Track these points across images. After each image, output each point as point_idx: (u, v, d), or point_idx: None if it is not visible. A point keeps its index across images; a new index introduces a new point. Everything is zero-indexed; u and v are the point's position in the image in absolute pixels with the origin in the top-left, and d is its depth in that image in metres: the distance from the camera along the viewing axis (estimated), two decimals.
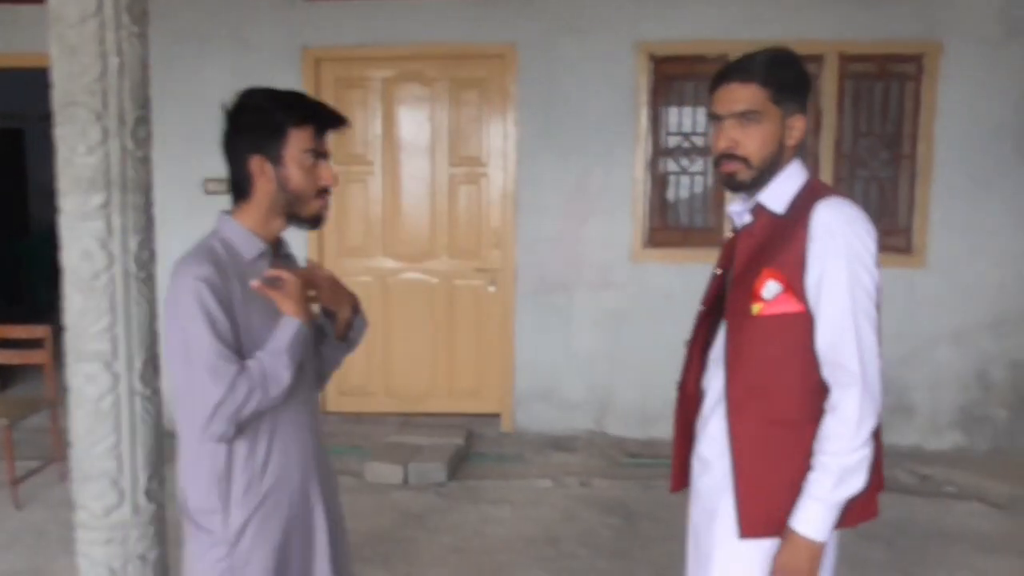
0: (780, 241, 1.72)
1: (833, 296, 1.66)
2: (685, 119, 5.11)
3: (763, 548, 1.76)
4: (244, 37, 5.12)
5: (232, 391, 1.60)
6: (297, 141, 1.70)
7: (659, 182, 5.13)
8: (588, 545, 3.72)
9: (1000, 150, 4.82)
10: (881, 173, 5.00)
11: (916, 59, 4.85)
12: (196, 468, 1.73)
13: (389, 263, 5.31)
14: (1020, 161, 4.82)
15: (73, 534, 2.24)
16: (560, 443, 5.02)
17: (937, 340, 4.91)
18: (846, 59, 4.87)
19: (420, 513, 4.03)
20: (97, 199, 2.07)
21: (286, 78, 5.10)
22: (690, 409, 2.00)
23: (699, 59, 4.97)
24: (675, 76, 5.04)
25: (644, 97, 4.98)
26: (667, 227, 5.15)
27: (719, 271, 1.92)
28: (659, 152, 5.10)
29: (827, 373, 1.70)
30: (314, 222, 1.77)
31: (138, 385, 2.16)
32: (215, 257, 1.69)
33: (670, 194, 5.18)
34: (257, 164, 1.70)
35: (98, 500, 2.16)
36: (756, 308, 1.72)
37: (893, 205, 5.02)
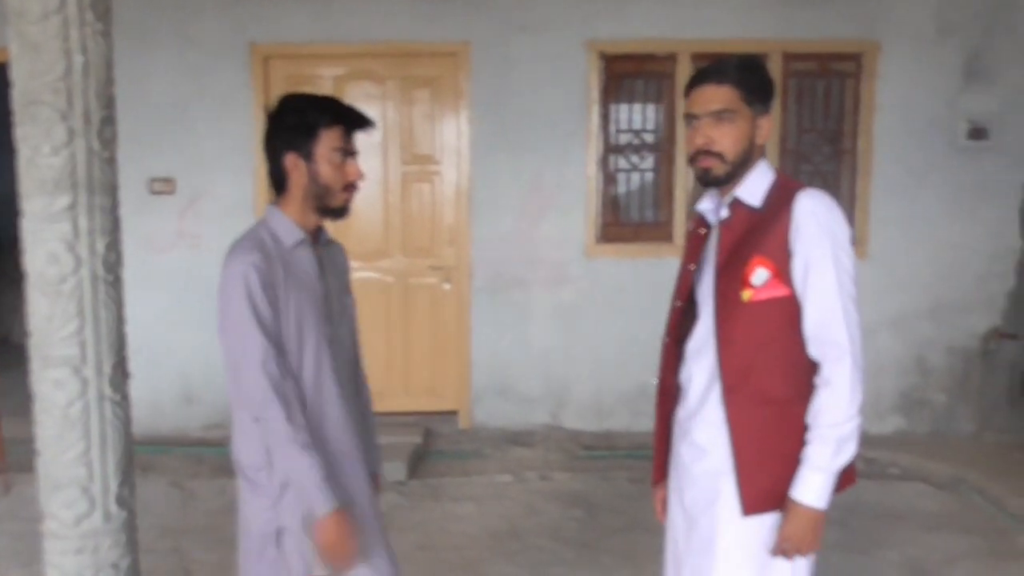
0: (763, 231, 1.83)
1: (820, 279, 1.78)
2: (635, 116, 5.20)
3: (765, 523, 1.86)
4: (189, 33, 5.02)
5: (274, 392, 1.82)
6: (327, 140, 1.90)
7: (610, 179, 5.21)
8: (553, 537, 3.77)
9: (934, 145, 5.03)
10: (824, 168, 5.17)
11: (855, 58, 5.02)
12: (246, 429, 1.91)
13: None
14: (953, 155, 5.03)
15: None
16: (518, 438, 5.06)
17: (878, 328, 5.09)
18: (789, 57, 5.01)
19: (383, 512, 4.02)
20: (63, 201, 2.03)
21: (233, 75, 5.03)
22: (669, 403, 2.07)
23: (648, 57, 5.06)
24: (625, 74, 5.12)
25: (595, 95, 5.05)
26: (619, 223, 5.23)
27: (692, 266, 1.99)
28: (610, 149, 5.18)
29: (816, 351, 1.81)
30: (340, 213, 1.96)
31: (108, 390, 2.12)
32: (262, 244, 1.90)
33: (621, 190, 5.26)
34: (291, 160, 1.91)
35: (68, 509, 2.11)
36: (746, 295, 1.82)
37: (835, 199, 5.16)
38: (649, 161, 5.22)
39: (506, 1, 4.98)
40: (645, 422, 5.11)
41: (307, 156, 1.90)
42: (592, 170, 5.10)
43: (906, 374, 5.18)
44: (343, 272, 2.11)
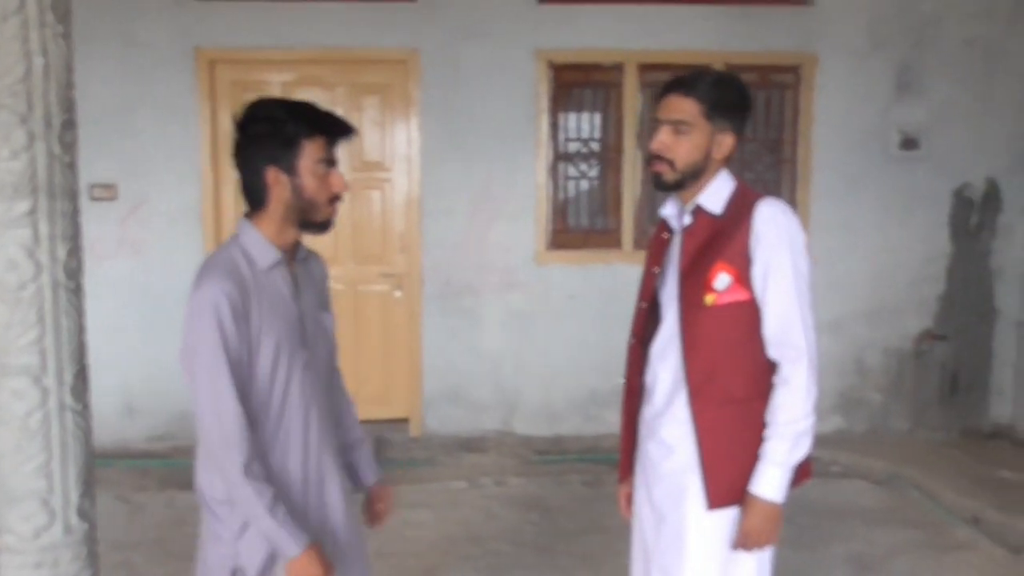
0: (725, 238, 1.90)
1: (779, 285, 1.86)
2: (583, 125, 5.28)
3: (729, 517, 1.93)
4: (132, 35, 4.91)
5: (232, 438, 1.74)
6: (310, 151, 1.77)
7: (560, 186, 5.27)
8: (511, 542, 3.79)
9: (869, 155, 5.23)
10: (765, 176, 5.32)
11: (794, 70, 5.19)
12: (210, 462, 1.81)
13: None
14: (886, 165, 5.24)
15: None
16: (470, 444, 5.07)
17: (819, 331, 5.24)
18: (731, 68, 5.15)
19: (362, 529, 3.99)
20: (23, 206, 1.97)
21: (178, 80, 4.94)
22: (635, 402, 2.13)
23: (596, 67, 5.15)
24: (574, 83, 5.20)
25: (544, 103, 5.11)
26: (568, 230, 5.30)
27: (656, 269, 2.06)
28: (559, 157, 5.24)
29: (775, 352, 1.89)
30: (324, 227, 1.84)
31: (69, 400, 2.06)
32: (235, 268, 1.77)
33: (571, 198, 5.33)
34: (272, 175, 1.77)
35: (27, 522, 2.05)
36: (710, 299, 1.89)
37: None
38: (597, 169, 5.31)
39: (456, 10, 5.01)
40: (595, 426, 5.22)
41: (289, 170, 1.77)
42: (542, 178, 5.16)
43: (845, 375, 5.36)
44: (321, 286, 1.99)
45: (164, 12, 4.91)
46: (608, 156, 5.27)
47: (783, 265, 1.86)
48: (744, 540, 1.91)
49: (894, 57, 5.19)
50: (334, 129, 1.81)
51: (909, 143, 5.18)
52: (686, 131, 1.90)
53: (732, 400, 1.91)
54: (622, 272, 5.15)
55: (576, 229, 5.32)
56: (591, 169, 5.30)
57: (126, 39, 4.90)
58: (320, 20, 4.95)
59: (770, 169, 5.33)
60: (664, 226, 2.09)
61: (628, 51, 5.10)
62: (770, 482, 1.87)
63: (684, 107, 1.90)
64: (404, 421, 5.29)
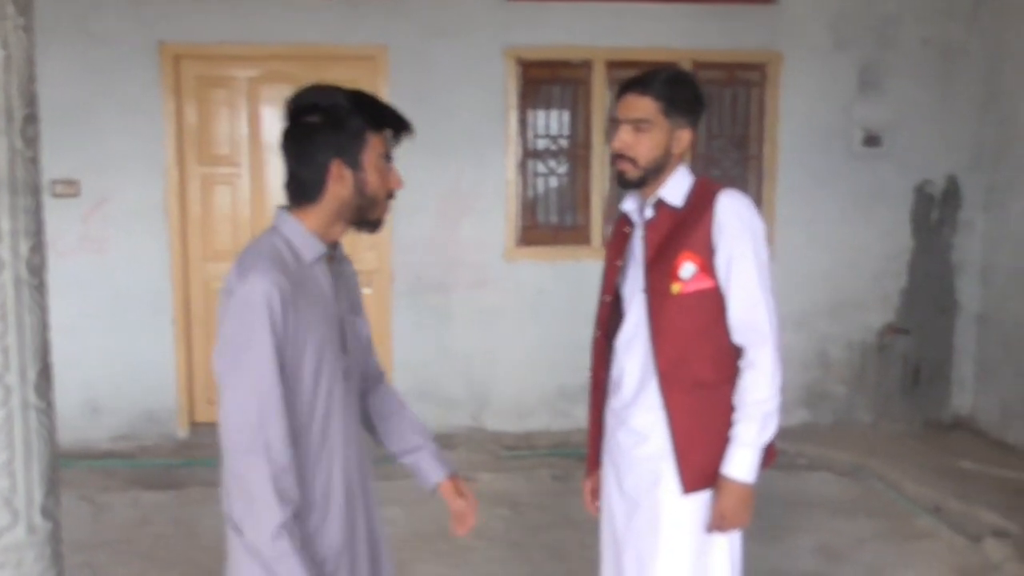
0: (688, 228, 1.96)
1: (743, 272, 1.93)
2: (552, 122, 5.29)
3: (703, 501, 1.99)
4: (92, 29, 4.84)
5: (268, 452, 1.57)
6: (375, 145, 1.65)
7: (529, 183, 5.29)
8: (482, 537, 3.80)
9: (833, 151, 5.31)
10: (732, 172, 5.38)
11: (760, 68, 5.25)
12: (238, 479, 1.65)
13: None
14: (850, 161, 5.33)
15: None
16: (440, 440, 4.97)
17: (783, 325, 5.27)
18: (699, 66, 5.20)
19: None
20: None
21: (142, 74, 4.88)
22: (601, 395, 2.17)
23: (564, 64, 5.17)
24: (542, 80, 5.21)
25: (513, 100, 5.12)
26: (538, 226, 5.32)
27: (619, 262, 2.11)
28: (528, 154, 5.26)
29: (740, 337, 1.95)
30: (377, 225, 1.73)
31: (32, 398, 2.03)
32: (281, 259, 1.61)
33: (540, 194, 5.35)
34: (337, 169, 1.63)
35: None
36: (676, 288, 1.95)
37: None
38: (566, 166, 5.33)
39: (425, 6, 4.99)
40: (565, 421, 5.24)
41: (354, 164, 1.64)
42: (511, 174, 5.17)
43: (809, 368, 5.44)
44: (355, 289, 1.85)
45: (127, 6, 4.84)
46: (577, 153, 5.30)
47: (745, 253, 1.92)
48: (719, 522, 1.96)
49: (857, 56, 5.27)
50: (398, 124, 1.70)
51: (872, 140, 5.27)
52: (646, 129, 1.95)
53: (701, 385, 1.97)
54: (591, 268, 5.14)
55: (545, 226, 5.34)
56: (560, 166, 5.32)
57: (88, 33, 4.83)
58: (287, 15, 4.91)
59: (736, 165, 5.39)
60: (625, 220, 2.14)
61: (596, 48, 5.12)
62: (741, 463, 1.93)
63: (642, 106, 1.95)
64: None
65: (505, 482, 4.48)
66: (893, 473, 4.58)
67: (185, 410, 5.11)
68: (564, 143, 5.30)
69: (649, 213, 2.03)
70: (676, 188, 2.01)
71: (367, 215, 1.69)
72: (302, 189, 1.66)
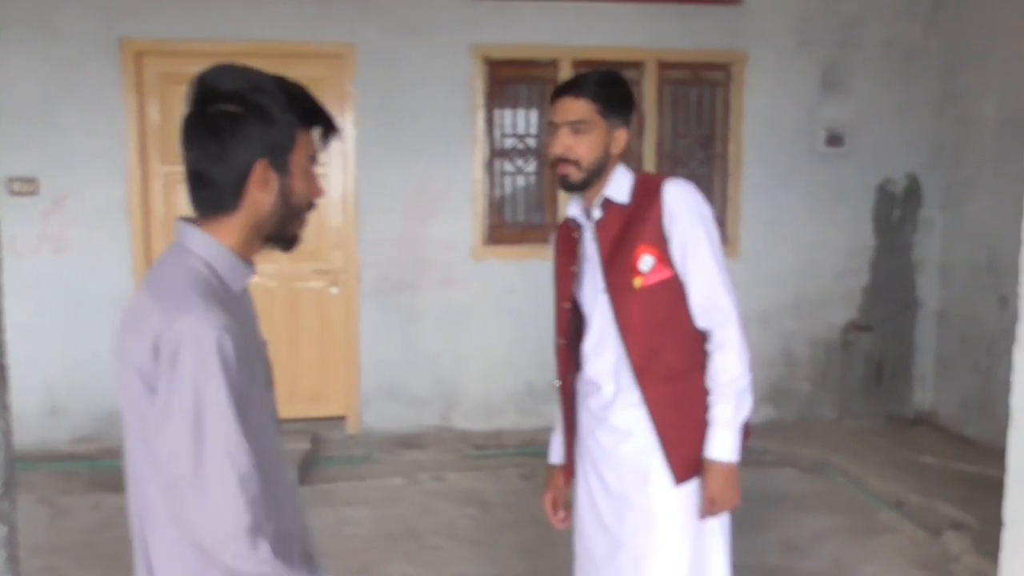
0: (639, 222, 1.98)
1: (699, 256, 1.96)
2: (519, 121, 5.30)
3: (693, 487, 2.01)
4: (52, 24, 4.75)
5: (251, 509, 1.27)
6: (303, 146, 1.39)
7: (497, 182, 5.29)
8: (449, 536, 3.80)
9: (796, 150, 5.37)
10: (698, 171, 5.42)
11: (725, 67, 5.30)
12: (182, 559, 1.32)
13: None
14: (813, 160, 5.40)
15: None
16: (408, 441, 5.06)
17: (748, 322, 5.33)
18: (664, 66, 5.24)
19: None
20: None
21: (103, 71, 4.81)
22: (571, 402, 2.18)
23: (531, 63, 5.17)
24: (509, 79, 5.21)
25: (481, 99, 5.12)
26: (505, 225, 5.32)
27: (573, 268, 2.10)
28: (496, 153, 5.26)
29: (704, 320, 1.98)
30: (292, 242, 1.44)
31: None
32: (213, 292, 1.31)
33: (507, 193, 5.35)
34: (261, 172, 1.34)
35: None
36: (638, 282, 1.97)
37: (708, 200, 5.43)
38: (533, 165, 5.34)
39: (391, 4, 4.97)
40: (533, 420, 5.25)
41: (282, 167, 1.36)
42: (479, 173, 5.16)
43: (774, 365, 5.50)
44: (254, 311, 1.52)
45: (88, 1, 4.76)
46: (544, 152, 5.30)
47: (698, 237, 1.96)
48: (710, 506, 1.98)
49: (820, 56, 5.34)
50: (329, 122, 1.42)
51: (834, 140, 5.34)
52: (585, 130, 1.96)
53: (674, 375, 1.99)
54: None
55: (513, 225, 5.34)
56: (527, 165, 5.33)
57: (48, 27, 4.75)
58: (252, 12, 4.87)
59: (702, 164, 5.43)
60: (570, 226, 2.13)
61: (563, 47, 5.14)
62: (724, 444, 1.95)
63: (579, 108, 1.96)
64: (341, 419, 5.24)
65: (473, 481, 4.48)
66: (856, 469, 4.64)
67: None
68: (531, 142, 5.31)
69: (597, 214, 2.04)
70: (620, 186, 2.03)
71: (284, 229, 1.41)
72: (214, 196, 1.35)
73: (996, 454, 2.52)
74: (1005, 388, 2.43)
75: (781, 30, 5.28)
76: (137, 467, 1.35)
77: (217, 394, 1.23)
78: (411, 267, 5.15)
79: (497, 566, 3.54)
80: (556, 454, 2.27)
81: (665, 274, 1.96)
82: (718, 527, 2.06)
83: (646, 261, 1.96)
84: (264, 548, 1.27)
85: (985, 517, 3.64)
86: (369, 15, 4.95)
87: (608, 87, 1.99)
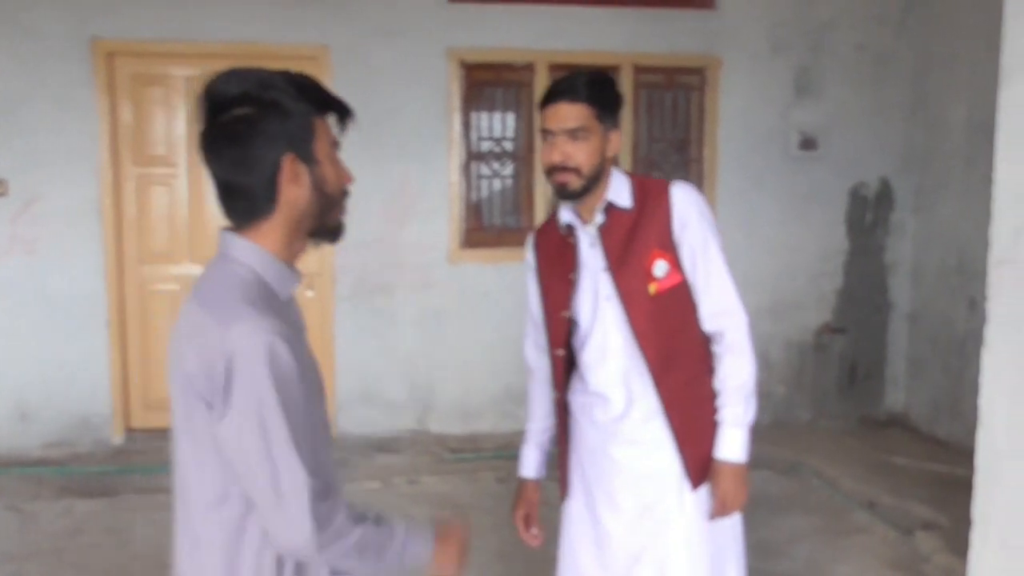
0: (647, 226, 1.96)
1: (710, 261, 1.96)
2: (496, 124, 5.30)
3: (705, 489, 2.02)
4: (21, 22, 4.70)
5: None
6: (324, 134, 1.36)
7: (473, 185, 5.29)
8: None
9: (770, 154, 5.42)
10: (673, 174, 5.45)
11: (700, 72, 5.34)
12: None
13: (196, 269, 5.07)
14: (787, 164, 5.44)
15: None
16: (384, 444, 5.03)
17: None
18: (639, 70, 5.27)
19: None
20: None
21: (74, 71, 4.76)
22: (566, 415, 2.15)
23: (507, 67, 5.18)
24: (485, 82, 5.22)
25: (456, 102, 5.12)
26: (482, 228, 5.32)
27: (572, 276, 2.02)
28: (472, 156, 5.25)
29: (715, 324, 1.98)
30: (338, 233, 1.43)
31: None
32: (263, 301, 1.29)
33: (484, 197, 5.35)
34: (290, 166, 1.31)
35: None
36: (653, 288, 1.95)
37: None
38: (510, 168, 5.34)
39: (367, 6, 4.96)
40: (511, 423, 5.24)
41: (308, 158, 1.33)
42: (455, 176, 5.16)
43: None
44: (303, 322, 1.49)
45: (58, 0, 4.71)
46: (520, 155, 5.31)
47: (709, 242, 1.96)
48: (721, 507, 1.98)
49: (793, 61, 5.39)
50: (341, 106, 1.39)
51: (808, 143, 5.39)
52: (584, 137, 1.90)
53: (689, 380, 1.99)
54: None
55: (490, 228, 5.34)
56: (504, 168, 5.33)
57: (17, 25, 4.70)
58: (226, 13, 4.84)
59: (677, 168, 5.46)
60: (562, 233, 2.05)
61: (539, 51, 5.15)
62: (735, 444, 1.97)
63: (576, 114, 1.90)
64: None
65: (448, 485, 4.47)
66: (830, 470, 4.68)
67: (121, 416, 4.98)
68: (508, 145, 5.31)
69: (600, 219, 1.98)
70: (619, 190, 1.99)
71: (327, 220, 1.40)
72: (249, 204, 1.33)
73: (966, 454, 2.55)
74: (975, 389, 2.46)
75: (755, 35, 5.33)
76: (185, 487, 1.34)
77: (275, 402, 1.22)
78: (387, 270, 5.13)
79: (472, 570, 3.51)
80: (530, 467, 2.20)
81: (676, 279, 1.95)
82: (730, 527, 2.07)
83: (660, 267, 1.94)
84: (340, 524, 1.28)
85: (956, 517, 3.68)
86: (343, 17, 4.94)
87: (602, 89, 1.95)
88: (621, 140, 2.01)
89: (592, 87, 1.92)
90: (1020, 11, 2.28)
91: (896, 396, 5.69)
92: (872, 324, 5.63)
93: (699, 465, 1.99)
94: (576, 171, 1.91)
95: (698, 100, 5.39)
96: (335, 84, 4.93)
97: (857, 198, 5.54)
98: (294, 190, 1.33)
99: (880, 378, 5.68)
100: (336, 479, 1.42)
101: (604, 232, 1.99)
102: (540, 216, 5.29)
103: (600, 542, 2.08)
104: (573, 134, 1.90)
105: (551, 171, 1.94)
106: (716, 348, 1.99)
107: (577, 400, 2.11)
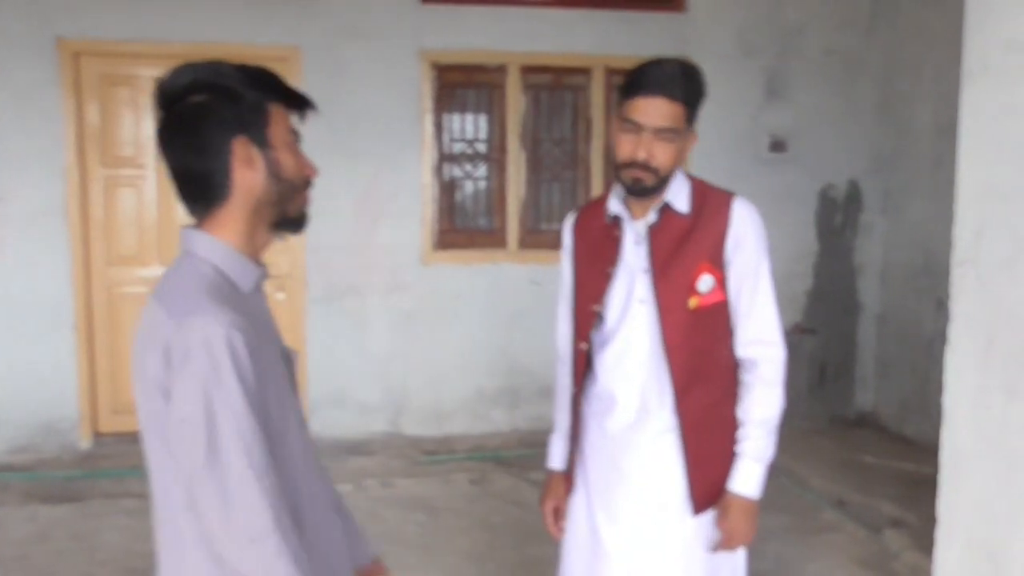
0: (699, 238, 1.86)
1: (760, 288, 1.88)
2: (468, 126, 5.29)
3: (707, 518, 1.92)
4: None
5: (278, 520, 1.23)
6: (279, 120, 1.35)
7: (445, 186, 5.27)
8: (395, 542, 3.76)
9: (742, 156, 5.46)
10: None
11: None
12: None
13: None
14: (758, 166, 5.48)
15: None
16: (357, 447, 5.00)
17: None
18: (611, 72, 5.29)
19: None
20: None
21: (39, 71, 4.69)
22: (578, 412, 2.04)
23: (479, 68, 5.18)
24: (457, 84, 5.21)
25: (428, 104, 5.10)
26: (455, 229, 5.30)
27: (610, 269, 1.93)
28: (444, 157, 5.24)
29: (751, 351, 1.90)
30: (301, 223, 1.42)
31: None
32: (224, 293, 1.27)
33: (456, 198, 5.34)
34: (242, 148, 1.30)
35: None
36: (694, 302, 1.85)
37: None
38: (483, 169, 5.34)
39: (337, 6, 4.93)
40: (483, 425, 5.24)
41: (262, 141, 1.32)
42: (427, 178, 5.15)
43: None
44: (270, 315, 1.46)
45: None
46: (493, 156, 5.31)
47: (762, 268, 1.88)
48: (728, 541, 1.89)
49: (763, 64, 5.43)
50: (298, 97, 1.39)
51: (778, 146, 5.44)
52: (672, 138, 1.79)
53: (712, 403, 1.89)
54: (508, 271, 5.21)
55: (462, 229, 5.33)
56: (476, 169, 5.33)
57: None
58: (195, 13, 4.79)
59: None
60: (609, 224, 1.95)
61: (511, 53, 5.15)
62: (752, 479, 1.87)
63: (673, 113, 1.78)
64: None
65: (422, 487, 4.45)
66: (800, 469, 4.72)
67: (88, 420, 4.91)
68: (481, 147, 5.31)
69: (653, 218, 1.88)
70: (679, 192, 1.88)
71: (288, 208, 1.38)
72: (203, 188, 1.32)
73: (934, 452, 2.58)
74: (941, 388, 2.49)
75: (725, 38, 5.36)
76: (161, 490, 1.30)
77: (230, 392, 1.19)
78: (359, 272, 5.11)
79: (443, 571, 3.52)
80: (558, 459, 2.10)
81: (719, 298, 1.85)
82: (728, 559, 1.96)
83: (706, 282, 1.84)
84: (281, 553, 1.20)
85: (923, 514, 3.72)
86: (313, 17, 4.91)
87: (697, 88, 1.82)
88: (696, 140, 1.89)
89: (689, 85, 1.80)
90: (981, 16, 2.32)
91: (865, 395, 5.75)
92: (842, 324, 5.69)
93: (704, 491, 1.88)
94: (655, 171, 1.80)
95: None
96: (306, 85, 4.90)
97: (827, 200, 5.60)
98: (248, 174, 1.32)
99: (850, 378, 5.74)
100: (308, 487, 1.39)
101: (654, 232, 1.88)
102: (513, 217, 5.29)
103: (595, 551, 1.99)
104: (662, 133, 1.78)
105: (628, 165, 1.81)
106: (746, 376, 1.89)
107: (590, 404, 2.01)
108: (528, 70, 5.17)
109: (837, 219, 5.62)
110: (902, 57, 5.38)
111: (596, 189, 5.34)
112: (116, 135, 4.90)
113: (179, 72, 1.31)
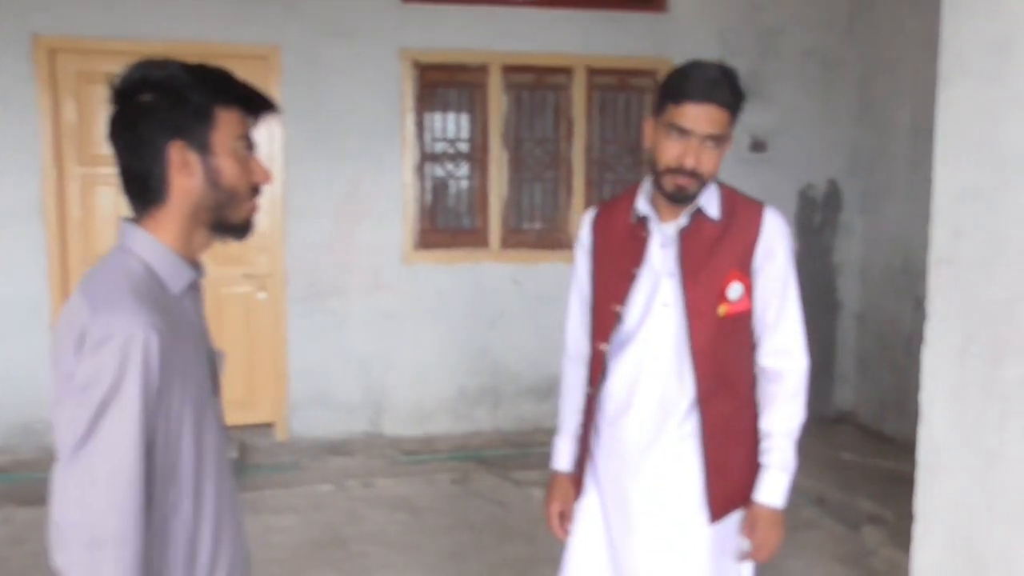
0: (730, 245, 1.85)
1: (790, 300, 1.89)
2: (450, 125, 5.29)
3: (725, 527, 1.91)
4: None
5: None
6: (227, 125, 1.33)
7: (427, 186, 5.26)
8: (377, 543, 3.75)
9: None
10: (626, 176, 5.49)
11: (651, 74, 5.38)
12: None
13: None
14: (738, 166, 5.44)
15: None
16: (337, 447, 4.99)
17: None
18: (593, 72, 5.30)
19: None
20: None
21: (14, 68, 4.63)
22: (592, 413, 1.99)
23: (461, 68, 5.17)
24: (439, 83, 5.20)
25: (410, 103, 5.09)
26: (436, 229, 5.29)
27: (635, 270, 1.89)
28: (426, 157, 5.23)
29: (774, 362, 1.91)
30: (244, 230, 1.39)
31: None
32: (147, 291, 1.26)
33: (438, 198, 5.33)
34: (178, 153, 1.30)
35: None
36: (723, 310, 1.85)
37: None
38: (464, 169, 5.33)
39: (318, 5, 4.91)
40: (465, 424, 5.24)
41: (201, 146, 1.31)
42: (408, 177, 5.13)
43: None
44: (202, 312, 1.46)
45: None
46: (475, 156, 5.30)
47: (790, 280, 1.89)
48: (759, 551, 1.90)
49: (743, 65, 5.43)
50: (254, 101, 1.37)
51: (758, 146, 5.47)
52: (718, 146, 1.78)
53: (733, 411, 1.90)
54: (490, 271, 5.21)
55: (444, 229, 5.32)
56: (458, 169, 5.32)
57: None
58: (174, 10, 4.75)
59: (630, 170, 5.50)
60: (635, 224, 1.91)
61: (493, 52, 5.15)
62: (780, 489, 1.88)
63: (723, 120, 1.76)
64: (269, 426, 5.14)
65: (403, 487, 4.44)
66: None
67: None
68: (462, 146, 5.30)
69: (684, 222, 1.85)
70: (711, 198, 1.87)
71: (227, 216, 1.36)
72: (141, 187, 1.32)
73: (912, 450, 2.61)
74: (919, 387, 2.52)
75: (705, 39, 5.39)
76: None
77: (128, 393, 1.19)
78: (340, 271, 5.09)
79: (425, 571, 3.51)
80: (565, 460, 2.07)
81: (746, 306, 1.86)
82: (737, 568, 1.96)
83: (736, 289, 1.84)
84: (118, 566, 1.18)
85: (901, 511, 3.76)
86: (293, 16, 4.88)
87: (738, 91, 1.80)
88: (732, 144, 1.87)
89: (735, 91, 1.79)
90: (958, 17, 2.35)
91: (845, 394, 5.80)
92: (821, 323, 5.72)
93: (722, 500, 1.88)
94: (700, 177, 1.77)
95: (650, 102, 5.44)
96: (286, 84, 4.88)
97: (806, 200, 5.64)
98: (184, 180, 1.32)
99: (829, 376, 5.78)
100: (223, 490, 1.39)
101: (685, 237, 1.86)
102: (495, 217, 5.29)
103: (614, 560, 1.96)
104: (710, 140, 1.75)
105: (674, 171, 1.77)
106: (770, 386, 1.90)
107: (602, 405, 1.95)
108: (510, 70, 5.17)
109: (816, 219, 5.67)
110: (880, 58, 5.43)
111: (578, 189, 5.35)
112: (93, 133, 4.85)
113: (132, 70, 1.31)
